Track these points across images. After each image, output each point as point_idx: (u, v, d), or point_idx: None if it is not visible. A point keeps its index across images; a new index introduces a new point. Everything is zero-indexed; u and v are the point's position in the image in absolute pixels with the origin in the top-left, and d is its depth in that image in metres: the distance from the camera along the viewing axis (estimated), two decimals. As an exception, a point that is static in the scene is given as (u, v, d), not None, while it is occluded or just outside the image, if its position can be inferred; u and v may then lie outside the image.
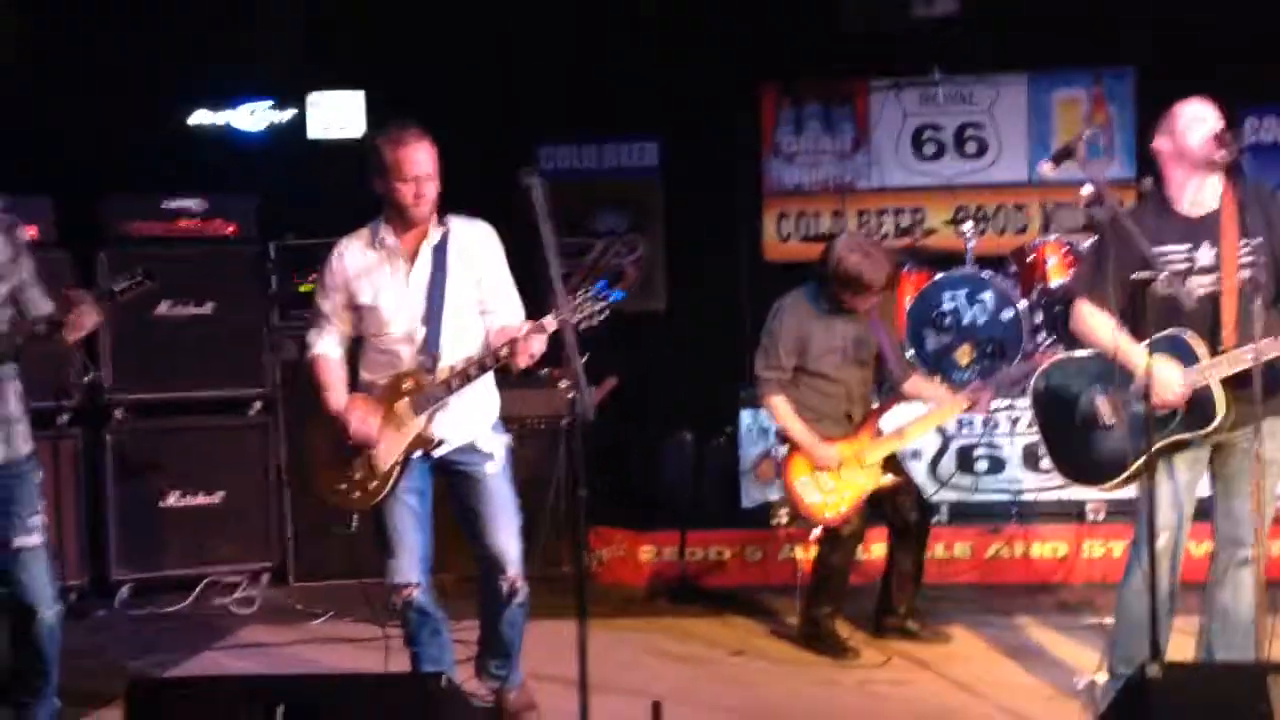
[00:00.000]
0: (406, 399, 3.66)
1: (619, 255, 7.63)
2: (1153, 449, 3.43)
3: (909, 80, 7.09)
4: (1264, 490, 3.43)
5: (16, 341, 3.54)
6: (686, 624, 5.11)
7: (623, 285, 3.58)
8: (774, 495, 5.79)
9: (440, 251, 3.69)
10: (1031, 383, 3.89)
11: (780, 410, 4.65)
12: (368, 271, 3.70)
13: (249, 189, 6.05)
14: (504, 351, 3.58)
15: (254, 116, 6.99)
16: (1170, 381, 3.43)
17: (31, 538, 3.59)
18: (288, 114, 7.03)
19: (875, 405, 4.83)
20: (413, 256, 3.70)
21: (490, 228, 3.83)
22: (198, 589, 5.60)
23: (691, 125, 7.13)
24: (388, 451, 3.67)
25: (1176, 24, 6.37)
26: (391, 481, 3.68)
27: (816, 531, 4.69)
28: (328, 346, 3.78)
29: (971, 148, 7.37)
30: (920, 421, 4.78)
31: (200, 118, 6.91)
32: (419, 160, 3.58)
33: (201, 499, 5.73)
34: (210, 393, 5.79)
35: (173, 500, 5.68)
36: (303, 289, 5.87)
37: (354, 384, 3.79)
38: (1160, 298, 3.45)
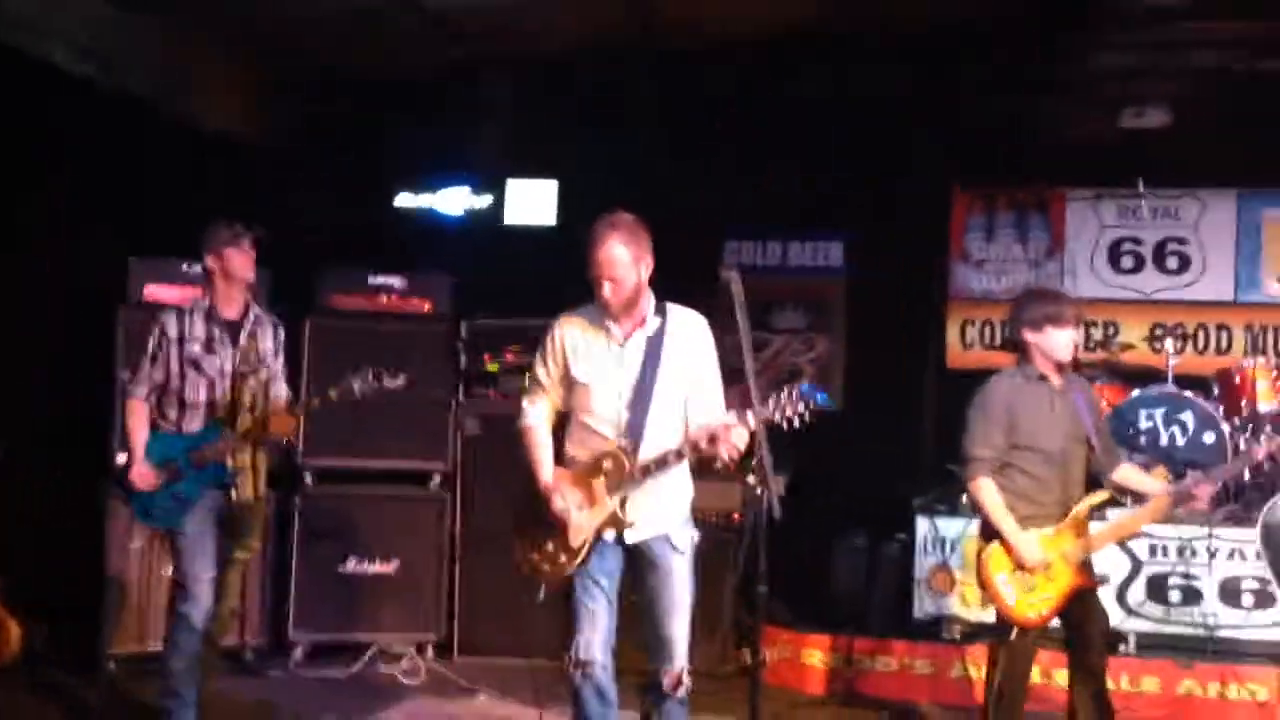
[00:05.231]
0: (603, 478, 3.73)
1: (796, 354, 7.63)
2: None
3: (1110, 191, 6.91)
4: None
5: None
6: (851, 735, 4.96)
7: (807, 381, 3.56)
8: (948, 609, 5.60)
9: (656, 340, 3.78)
10: (1263, 513, 3.62)
11: (988, 495, 4.29)
12: (585, 348, 3.81)
13: (446, 269, 6.29)
14: (704, 443, 3.62)
15: (454, 201, 7.30)
16: None
17: (245, 553, 4.61)
18: (485, 200, 7.31)
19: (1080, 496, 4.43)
20: (628, 340, 3.79)
21: (705, 321, 3.86)
22: (366, 656, 5.71)
23: (879, 227, 7.10)
24: (580, 528, 3.74)
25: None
26: (581, 557, 3.74)
27: (1013, 634, 4.31)
28: (539, 418, 3.88)
29: (1173, 263, 7.11)
30: (1134, 518, 4.43)
31: (404, 200, 7.25)
32: (603, 258, 3.69)
33: (378, 567, 5.88)
34: (396, 463, 5.97)
35: (351, 566, 5.85)
36: (489, 368, 6.07)
37: (559, 458, 3.87)
38: None
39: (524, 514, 3.85)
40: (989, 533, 4.36)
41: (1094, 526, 4.42)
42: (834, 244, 7.57)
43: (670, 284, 4.25)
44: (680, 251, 5.25)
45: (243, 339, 4.52)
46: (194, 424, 4.45)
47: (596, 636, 3.78)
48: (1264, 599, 5.25)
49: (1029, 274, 7.21)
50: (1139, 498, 4.59)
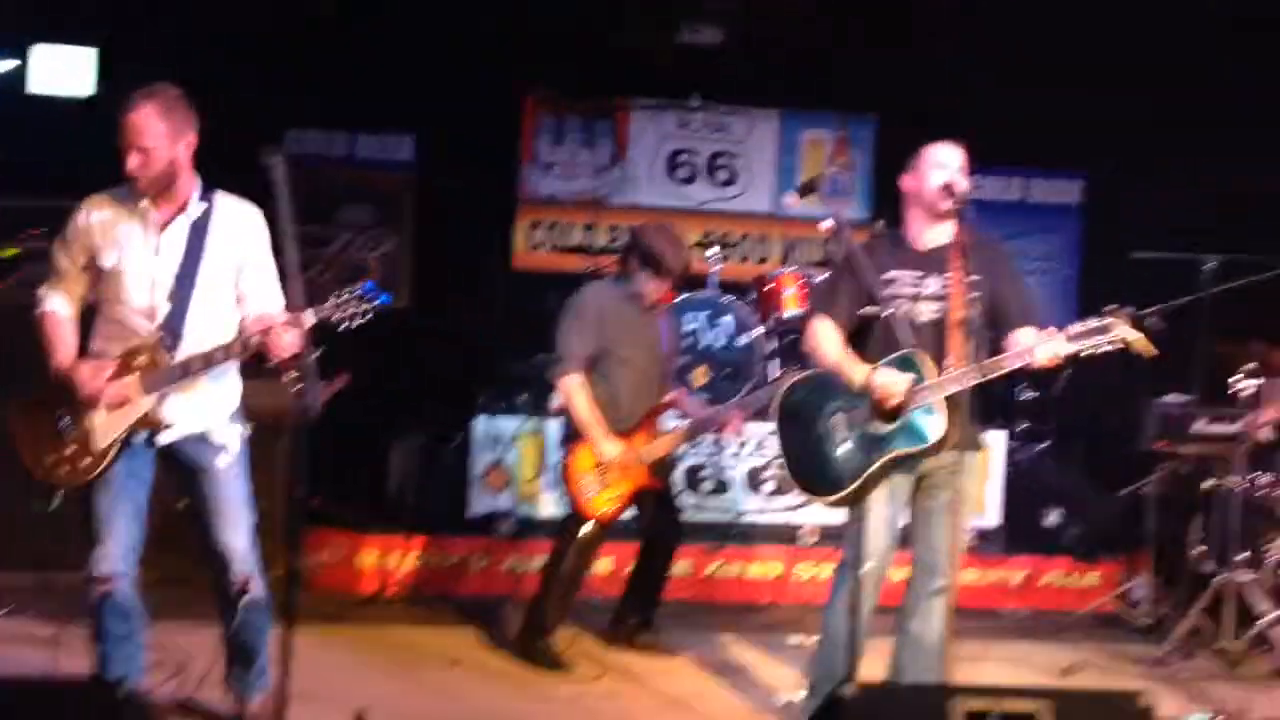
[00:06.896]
0: (137, 375, 3.45)
1: (362, 249, 7.42)
2: (878, 464, 3.61)
3: (669, 103, 7.23)
4: (958, 523, 3.62)
5: None
6: (404, 632, 4.98)
7: (370, 280, 3.46)
8: (501, 505, 5.75)
9: (199, 228, 3.52)
10: (777, 396, 3.94)
11: (575, 393, 4.53)
12: (116, 233, 3.49)
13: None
14: (254, 340, 3.43)
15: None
16: (894, 383, 3.57)
17: None
18: (7, 64, 6.46)
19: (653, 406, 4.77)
20: (167, 226, 3.51)
21: (257, 211, 3.62)
22: None
23: (452, 125, 7.01)
24: (107, 428, 3.45)
25: (920, 80, 6.76)
26: (106, 461, 3.46)
27: (588, 527, 4.58)
28: (59, 304, 3.55)
29: (722, 176, 7.59)
30: (682, 432, 4.82)
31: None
32: (135, 124, 3.41)
33: None
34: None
35: None
36: (8, 253, 5.40)
37: (84, 354, 3.54)
38: (889, 325, 3.60)
39: (33, 413, 3.51)
40: (572, 432, 4.60)
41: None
42: (404, 139, 7.40)
43: (222, 170, 3.95)
44: (237, 138, 4.94)
45: None
46: None
47: (118, 549, 3.51)
48: (780, 486, 5.84)
49: (594, 180, 7.44)
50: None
